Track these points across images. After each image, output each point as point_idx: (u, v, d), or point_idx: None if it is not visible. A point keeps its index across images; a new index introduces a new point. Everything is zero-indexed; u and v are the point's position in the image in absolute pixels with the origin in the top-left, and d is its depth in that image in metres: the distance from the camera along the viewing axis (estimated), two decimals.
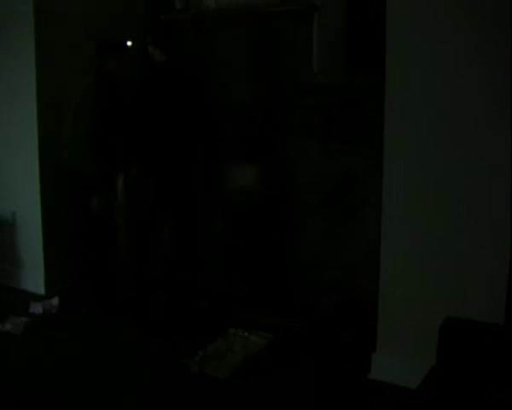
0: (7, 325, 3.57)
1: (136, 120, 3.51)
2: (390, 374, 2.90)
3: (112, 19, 4.31)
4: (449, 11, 2.67)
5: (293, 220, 3.77)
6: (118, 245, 3.95)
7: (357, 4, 3.84)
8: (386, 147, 2.89)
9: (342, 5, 3.85)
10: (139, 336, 3.49)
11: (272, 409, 2.81)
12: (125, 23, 4.47)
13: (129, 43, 3.86)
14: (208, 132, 3.56)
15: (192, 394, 2.91)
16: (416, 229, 2.85)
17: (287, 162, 3.75)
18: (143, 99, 3.51)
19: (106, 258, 3.85)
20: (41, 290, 4.17)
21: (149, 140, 3.49)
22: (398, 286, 2.92)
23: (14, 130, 4.20)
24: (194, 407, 2.82)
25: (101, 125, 3.56)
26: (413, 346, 2.86)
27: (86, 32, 4.15)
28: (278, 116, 3.76)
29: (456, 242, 2.74)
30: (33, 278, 4.22)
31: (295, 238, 3.78)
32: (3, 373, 3.09)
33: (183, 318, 3.64)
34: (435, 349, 2.04)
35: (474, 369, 1.95)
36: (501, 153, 2.57)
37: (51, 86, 4.01)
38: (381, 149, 2.90)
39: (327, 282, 3.64)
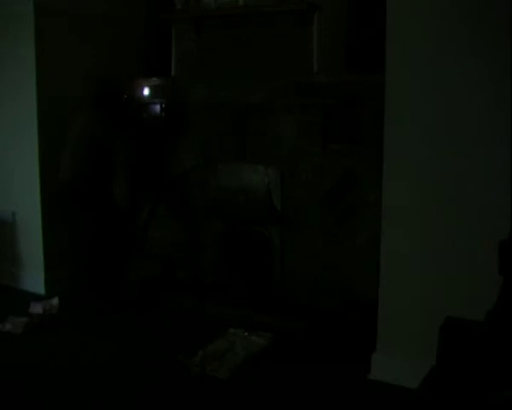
0: (7, 325, 3.57)
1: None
2: (390, 374, 2.90)
3: (112, 19, 4.32)
4: (449, 11, 2.68)
5: (293, 220, 3.77)
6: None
7: (357, 4, 3.84)
8: (386, 147, 2.89)
9: (342, 5, 3.85)
10: (139, 336, 3.50)
11: (272, 409, 2.81)
12: (125, 23, 4.48)
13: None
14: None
15: (192, 394, 2.91)
16: (415, 229, 2.85)
17: (286, 162, 3.75)
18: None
19: (106, 258, 3.86)
20: (41, 290, 4.17)
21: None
22: (398, 286, 2.92)
23: (14, 130, 4.20)
24: (195, 407, 2.82)
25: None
26: (413, 346, 2.87)
27: (86, 32, 4.16)
28: (278, 116, 3.76)
29: (456, 242, 2.74)
30: (33, 278, 4.22)
31: (295, 238, 3.77)
32: (3, 373, 3.09)
33: (184, 318, 3.64)
34: (435, 349, 2.04)
35: (474, 369, 1.95)
36: (501, 153, 2.57)
37: (51, 86, 4.01)
38: (381, 148, 2.90)
39: (327, 282, 3.64)
